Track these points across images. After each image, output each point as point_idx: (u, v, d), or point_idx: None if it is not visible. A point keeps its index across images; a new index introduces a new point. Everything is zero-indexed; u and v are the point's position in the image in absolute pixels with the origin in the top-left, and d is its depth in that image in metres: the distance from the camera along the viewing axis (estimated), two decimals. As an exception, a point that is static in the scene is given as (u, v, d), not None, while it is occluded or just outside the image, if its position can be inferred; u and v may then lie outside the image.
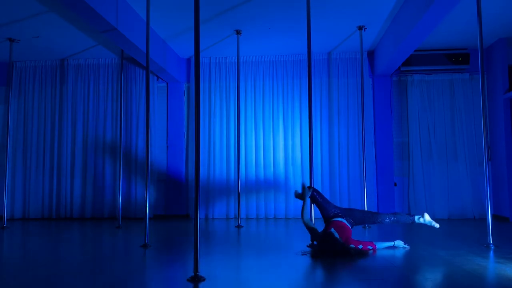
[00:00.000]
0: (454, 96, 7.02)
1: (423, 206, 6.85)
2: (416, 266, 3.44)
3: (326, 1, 5.17)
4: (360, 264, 3.62)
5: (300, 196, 4.31)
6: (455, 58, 6.85)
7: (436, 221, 6.53)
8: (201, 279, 2.98)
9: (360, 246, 3.93)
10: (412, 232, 5.54)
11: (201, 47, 6.75)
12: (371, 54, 7.22)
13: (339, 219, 4.13)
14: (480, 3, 4.44)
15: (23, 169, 7.41)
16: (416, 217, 4.23)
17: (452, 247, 4.22)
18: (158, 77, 7.40)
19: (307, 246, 4.34)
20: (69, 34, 6.17)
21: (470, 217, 6.80)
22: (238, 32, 6.17)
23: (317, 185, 6.97)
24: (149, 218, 6.42)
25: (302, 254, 3.91)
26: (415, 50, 6.73)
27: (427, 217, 4.22)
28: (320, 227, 4.30)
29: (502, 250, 4.05)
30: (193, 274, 3.01)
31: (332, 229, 3.95)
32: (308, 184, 4.50)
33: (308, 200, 4.25)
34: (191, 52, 7.20)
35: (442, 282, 3.01)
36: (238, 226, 6.00)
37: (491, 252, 3.98)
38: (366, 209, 4.41)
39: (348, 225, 4.09)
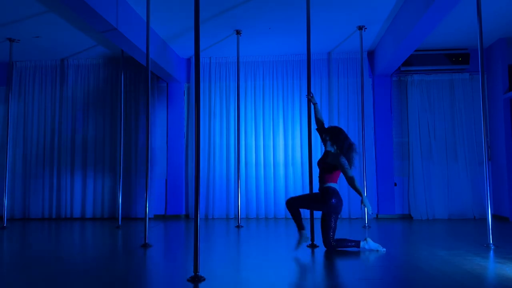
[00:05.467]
0: (454, 96, 7.02)
1: (423, 206, 6.85)
2: (416, 266, 3.44)
3: (326, 1, 5.17)
4: (360, 264, 3.62)
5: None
6: (455, 58, 6.85)
7: (436, 221, 6.59)
8: (201, 279, 2.98)
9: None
10: (413, 232, 5.54)
11: (201, 47, 6.75)
12: (371, 54, 7.22)
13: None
14: (480, 3, 4.44)
15: (23, 169, 7.41)
16: None
17: (452, 247, 4.23)
18: (158, 77, 7.40)
19: (307, 246, 4.34)
20: (69, 34, 6.17)
21: (470, 217, 6.80)
22: (238, 32, 6.17)
23: (317, 186, 6.96)
24: (149, 218, 6.44)
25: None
26: (415, 50, 6.73)
27: None
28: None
29: (502, 250, 4.06)
30: (193, 274, 3.01)
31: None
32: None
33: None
34: (191, 52, 7.20)
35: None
36: (238, 226, 6.00)
37: (491, 252, 3.98)
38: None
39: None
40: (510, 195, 6.45)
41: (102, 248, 4.55)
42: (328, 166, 4.12)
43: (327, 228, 4.08)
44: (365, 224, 5.90)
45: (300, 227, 4.14)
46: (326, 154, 4.21)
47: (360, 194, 4.02)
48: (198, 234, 3.08)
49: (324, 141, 4.24)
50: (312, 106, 4.49)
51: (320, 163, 4.22)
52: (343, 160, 4.05)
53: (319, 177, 4.23)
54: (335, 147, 4.14)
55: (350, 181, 3.99)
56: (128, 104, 7.38)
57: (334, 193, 4.09)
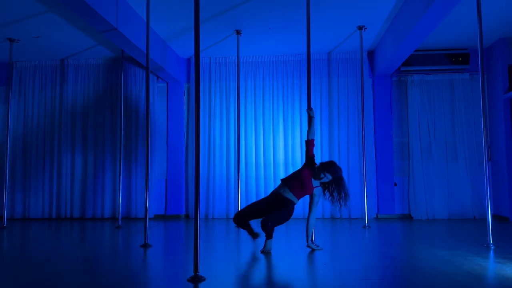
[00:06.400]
0: (454, 96, 7.02)
1: (423, 206, 6.85)
2: (416, 266, 3.44)
3: (326, 1, 5.17)
4: (360, 264, 3.62)
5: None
6: (455, 58, 6.85)
7: (436, 221, 6.59)
8: (201, 279, 2.98)
9: None
10: (413, 232, 5.54)
11: (201, 47, 6.75)
12: (371, 54, 7.22)
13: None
14: (480, 3, 4.44)
15: (23, 169, 7.40)
16: None
17: (452, 247, 4.23)
18: (158, 77, 7.40)
19: (307, 246, 4.33)
20: (69, 34, 6.17)
21: (470, 217, 6.80)
22: (238, 32, 6.17)
23: (317, 185, 6.97)
24: (149, 218, 6.44)
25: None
26: (415, 50, 6.73)
27: None
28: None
29: (502, 250, 4.06)
30: (193, 274, 3.01)
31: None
32: None
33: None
34: (191, 52, 7.20)
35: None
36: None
37: (491, 252, 3.98)
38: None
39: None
40: (510, 195, 6.45)
41: (102, 248, 4.55)
42: (308, 185, 4.10)
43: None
44: (365, 224, 5.90)
45: (256, 235, 4.12)
46: (312, 174, 4.14)
47: (307, 236, 4.14)
48: (198, 234, 3.08)
49: (319, 175, 4.08)
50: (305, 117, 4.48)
51: (303, 175, 4.13)
52: (319, 198, 4.14)
53: (287, 182, 4.13)
54: (325, 186, 4.13)
55: (311, 216, 4.11)
56: (128, 104, 7.38)
57: (292, 209, 4.14)
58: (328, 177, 4.08)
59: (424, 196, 6.88)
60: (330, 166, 4.09)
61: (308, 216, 4.15)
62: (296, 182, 4.11)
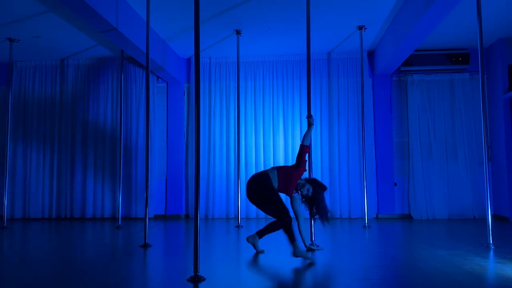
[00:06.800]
0: (454, 96, 7.02)
1: (423, 206, 6.85)
2: (416, 266, 3.44)
3: (326, 1, 5.17)
4: (360, 264, 3.62)
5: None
6: (455, 58, 6.85)
7: (436, 221, 6.59)
8: (201, 279, 2.98)
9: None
10: (413, 232, 5.54)
11: (201, 47, 6.76)
12: (371, 54, 7.22)
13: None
14: (480, 3, 4.44)
15: (23, 169, 7.41)
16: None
17: (452, 247, 4.23)
18: (158, 77, 7.40)
19: (306, 249, 4.33)
20: (69, 34, 6.17)
21: (470, 217, 6.80)
22: (238, 32, 6.17)
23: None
24: (149, 218, 6.45)
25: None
26: (415, 50, 6.73)
27: None
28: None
29: (502, 250, 4.06)
30: (193, 274, 3.01)
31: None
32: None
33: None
34: (191, 52, 7.20)
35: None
36: (238, 226, 6.00)
37: (491, 252, 3.98)
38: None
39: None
40: (510, 195, 6.45)
41: (102, 248, 4.55)
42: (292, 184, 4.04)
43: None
44: (365, 224, 5.90)
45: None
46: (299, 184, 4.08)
47: (303, 240, 4.05)
48: (198, 234, 3.08)
49: (305, 186, 4.02)
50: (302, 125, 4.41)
51: (293, 176, 4.05)
52: (299, 204, 4.08)
53: (279, 171, 4.04)
54: (303, 197, 4.07)
55: (300, 219, 4.05)
56: (128, 104, 7.38)
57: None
58: (309, 193, 4.02)
59: (424, 196, 6.87)
60: (319, 187, 4.01)
61: (298, 220, 4.08)
62: (287, 177, 4.04)
